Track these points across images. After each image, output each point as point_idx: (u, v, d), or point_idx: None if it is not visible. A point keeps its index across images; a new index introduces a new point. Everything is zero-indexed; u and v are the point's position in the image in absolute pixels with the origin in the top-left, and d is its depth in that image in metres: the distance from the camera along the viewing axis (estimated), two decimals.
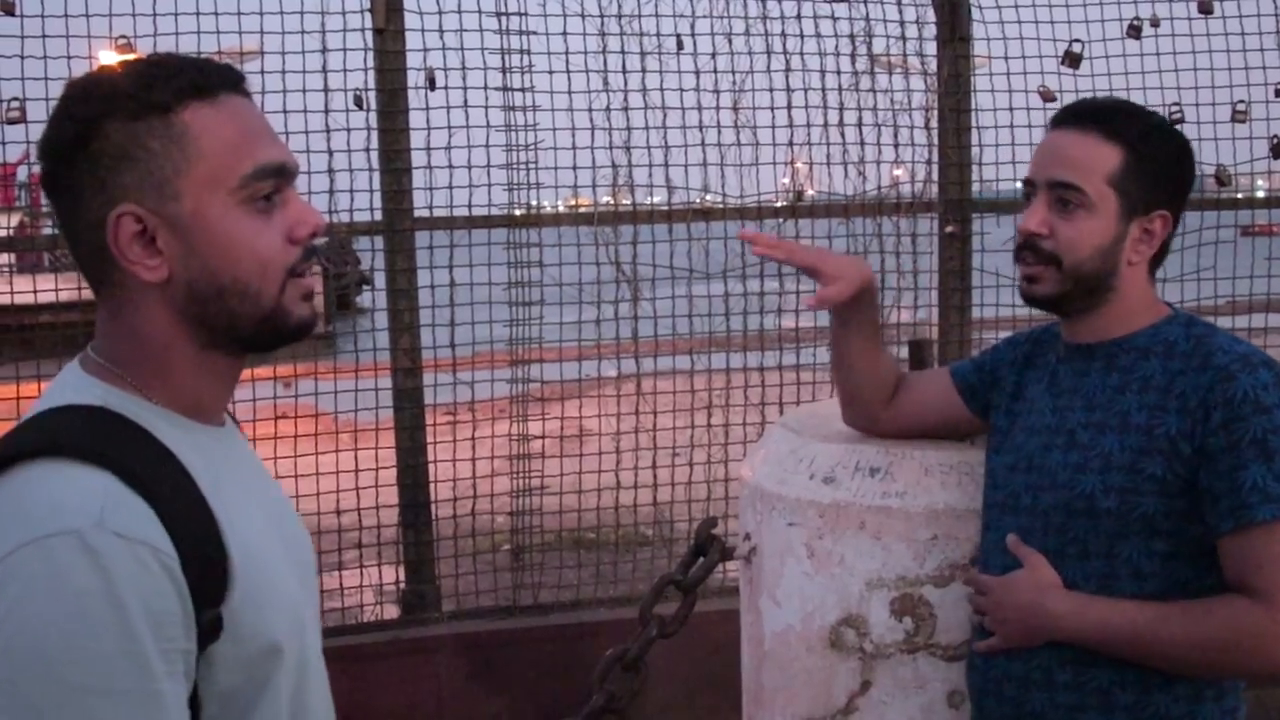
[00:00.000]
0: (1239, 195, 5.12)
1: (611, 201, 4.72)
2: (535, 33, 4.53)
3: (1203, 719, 2.07)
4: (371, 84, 4.41)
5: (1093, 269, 2.10)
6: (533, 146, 4.56)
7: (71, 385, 1.34)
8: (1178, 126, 4.75)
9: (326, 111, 4.35)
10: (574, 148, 4.58)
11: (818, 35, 4.75)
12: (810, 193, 5.04)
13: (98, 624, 1.16)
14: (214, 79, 1.34)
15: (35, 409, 1.32)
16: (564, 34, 4.55)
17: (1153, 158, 2.10)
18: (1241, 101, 4.84)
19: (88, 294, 4.10)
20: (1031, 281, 2.15)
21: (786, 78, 4.75)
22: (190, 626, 1.23)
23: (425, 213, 4.51)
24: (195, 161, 1.30)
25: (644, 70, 4.62)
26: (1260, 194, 5.52)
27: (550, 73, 4.56)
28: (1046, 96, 4.83)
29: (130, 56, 4.19)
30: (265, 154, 1.34)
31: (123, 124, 1.29)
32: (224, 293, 1.33)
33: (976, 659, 2.23)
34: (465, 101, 4.48)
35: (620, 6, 4.57)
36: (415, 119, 4.45)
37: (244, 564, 1.29)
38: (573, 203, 4.95)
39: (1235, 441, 1.95)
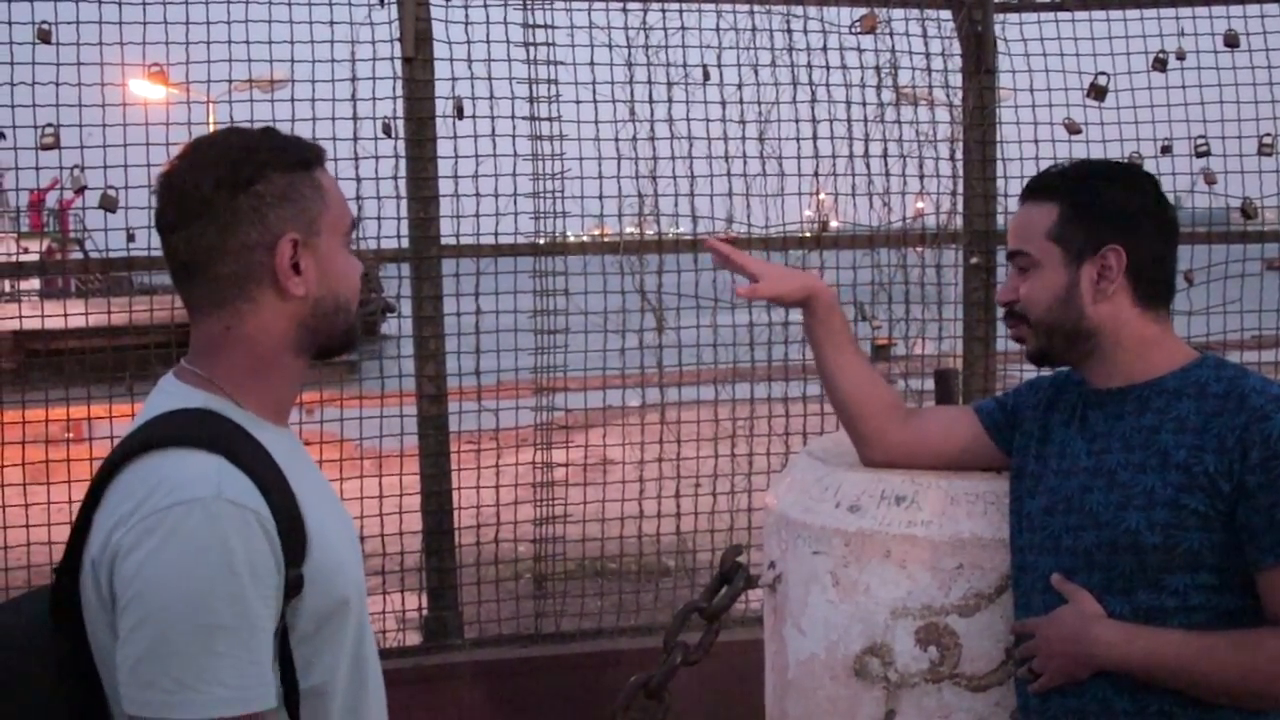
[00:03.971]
0: (1264, 228, 5.11)
1: (637, 231, 4.74)
2: (563, 63, 4.57)
3: None
4: (400, 112, 4.45)
5: (1055, 318, 2.22)
6: (559, 175, 4.59)
7: (178, 394, 1.66)
8: (1205, 158, 4.79)
9: (355, 139, 4.39)
10: (600, 177, 4.61)
11: (844, 67, 4.78)
12: (835, 224, 5.05)
13: (215, 571, 1.47)
14: (324, 153, 1.74)
15: (148, 412, 1.64)
16: (591, 64, 4.59)
17: (1088, 203, 2.21)
18: (1268, 135, 4.84)
19: (118, 320, 4.09)
20: (1021, 342, 2.31)
21: (812, 109, 4.77)
22: (281, 578, 1.54)
23: (452, 240, 4.55)
24: (328, 208, 1.70)
25: (670, 100, 4.65)
26: None
27: (577, 102, 4.59)
28: (1071, 129, 4.84)
29: (161, 87, 4.26)
30: (352, 211, 1.78)
31: (283, 173, 1.65)
32: (338, 309, 1.72)
33: (1031, 701, 2.22)
34: (493, 130, 4.52)
35: (647, 37, 4.61)
36: (443, 147, 4.49)
37: (318, 535, 1.61)
38: (598, 232, 4.97)
39: (1273, 479, 1.99)
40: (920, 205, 5.01)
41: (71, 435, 4.62)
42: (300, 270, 1.66)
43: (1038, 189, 2.28)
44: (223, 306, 1.66)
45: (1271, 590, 2.01)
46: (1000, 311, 2.34)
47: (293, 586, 1.56)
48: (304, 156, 1.69)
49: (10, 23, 4.12)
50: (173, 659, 1.45)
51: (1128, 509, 2.10)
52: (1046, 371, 2.46)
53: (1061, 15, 4.92)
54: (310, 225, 1.67)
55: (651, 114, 4.63)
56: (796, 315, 4.76)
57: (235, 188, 1.62)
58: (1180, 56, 4.83)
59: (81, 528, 1.57)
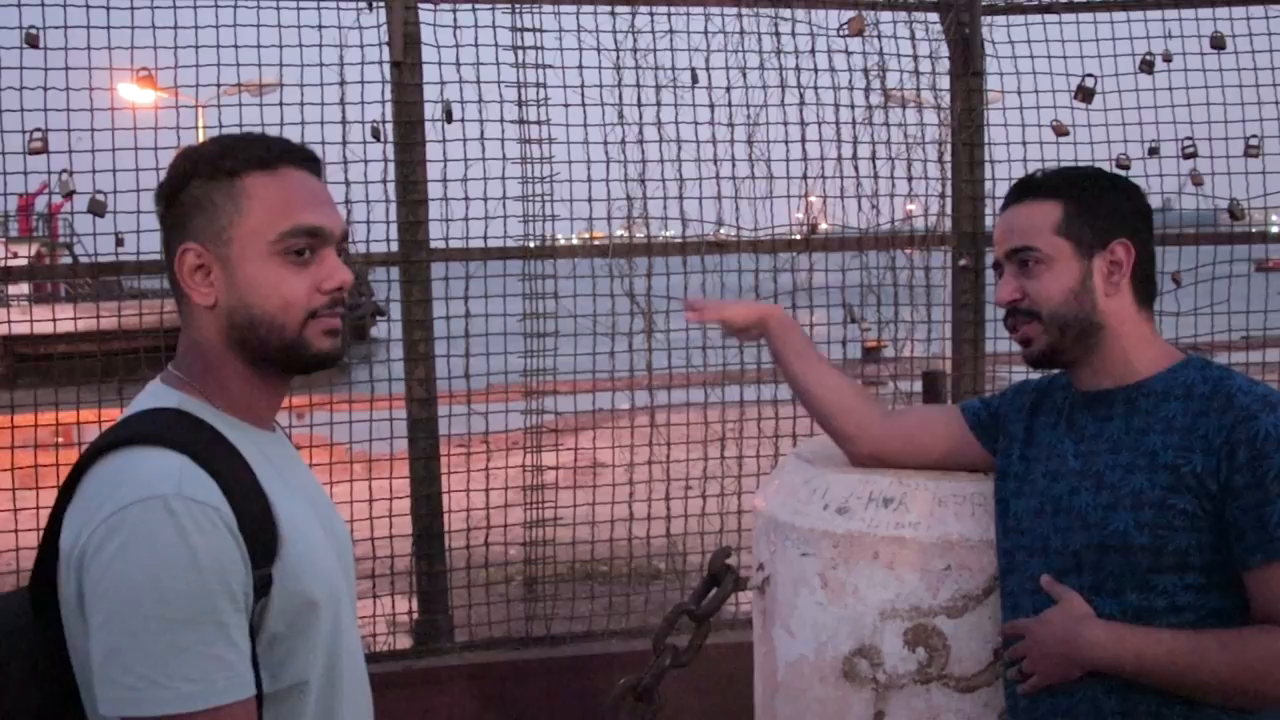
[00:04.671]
0: (1252, 229, 5.13)
1: (626, 234, 4.74)
2: (551, 66, 4.57)
3: None
4: (389, 116, 4.45)
5: (1071, 312, 2.21)
6: (548, 179, 4.60)
7: (155, 393, 1.71)
8: (1193, 159, 4.81)
9: (344, 143, 4.39)
10: (589, 180, 4.61)
11: (832, 70, 4.78)
12: (824, 226, 5.06)
13: (176, 567, 1.49)
14: (275, 155, 1.70)
15: (128, 412, 1.69)
16: (580, 67, 4.59)
17: (1090, 199, 2.24)
18: (1254, 136, 4.86)
19: (106, 324, 4.10)
20: (1026, 345, 2.27)
21: (800, 111, 4.78)
22: (248, 575, 1.55)
23: (441, 244, 4.54)
24: (245, 216, 1.67)
25: (659, 104, 4.65)
26: (1274, 229, 5.52)
27: (566, 106, 4.60)
28: (1059, 131, 4.85)
29: (150, 91, 4.26)
30: (302, 218, 1.69)
31: (202, 182, 1.67)
32: (254, 322, 1.68)
33: (1020, 701, 2.24)
34: (481, 134, 4.52)
35: (635, 40, 4.61)
36: (432, 151, 4.50)
37: (290, 535, 1.62)
38: (588, 235, 4.97)
39: (1260, 479, 2.01)
40: (909, 208, 5.02)
41: (61, 440, 4.61)
42: (211, 279, 1.68)
43: (1032, 189, 2.28)
44: (179, 311, 1.74)
45: (1259, 589, 2.02)
46: (1000, 313, 2.33)
47: (261, 586, 1.57)
48: (225, 165, 1.67)
49: None
50: (138, 655, 1.48)
51: (1116, 510, 2.12)
52: (1035, 375, 2.48)
53: (1049, 17, 4.93)
54: (219, 234, 1.67)
55: (640, 117, 4.64)
56: None
57: (167, 201, 1.70)
58: (1167, 59, 4.84)
59: (55, 523, 1.61)
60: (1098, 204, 2.23)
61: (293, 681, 1.64)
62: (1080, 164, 2.42)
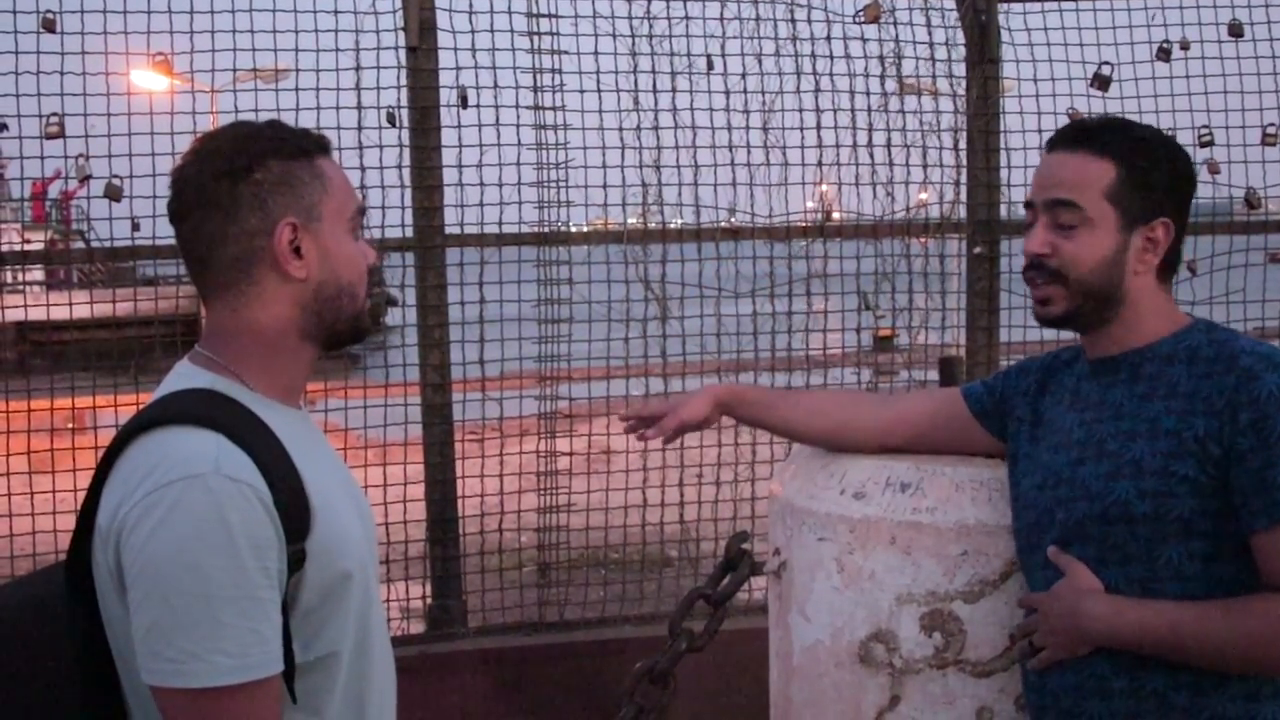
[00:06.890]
0: (1268, 219, 5.10)
1: (641, 220, 4.74)
2: (567, 52, 4.57)
3: (1262, 718, 2.06)
4: (404, 102, 4.45)
5: (1098, 282, 2.14)
6: (563, 165, 4.59)
7: (185, 375, 1.74)
8: (1209, 147, 4.79)
9: (359, 129, 4.39)
10: (604, 166, 4.61)
11: (847, 57, 4.77)
12: (838, 214, 5.05)
13: (213, 544, 1.53)
14: (328, 143, 1.80)
15: (159, 393, 1.72)
16: (595, 54, 4.58)
17: (1146, 168, 2.14)
18: (1271, 124, 4.83)
19: (120, 310, 4.11)
20: (1044, 303, 2.21)
21: (816, 99, 4.77)
22: (282, 551, 1.59)
23: (456, 230, 4.55)
24: (330, 195, 1.76)
25: (674, 90, 4.65)
26: None
27: (581, 92, 4.59)
28: (1075, 119, 4.83)
29: (164, 77, 4.26)
30: (360, 200, 1.84)
31: (281, 161, 1.72)
32: (341, 292, 1.78)
33: (1032, 676, 2.23)
34: (497, 120, 4.52)
35: (651, 27, 4.60)
36: (447, 137, 4.49)
37: (322, 511, 1.67)
38: (602, 221, 4.97)
39: (1264, 440, 1.96)
40: (923, 195, 5.01)
41: (74, 425, 4.62)
42: (301, 254, 1.72)
43: (1089, 139, 2.17)
44: (229, 290, 1.73)
45: (1264, 554, 1.98)
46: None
47: (295, 561, 1.62)
48: (303, 145, 1.74)
49: (15, 11, 4.13)
50: (178, 629, 1.52)
51: (1117, 479, 2.08)
52: (1036, 352, 2.46)
53: (1065, 5, 4.91)
54: (310, 210, 1.73)
55: (655, 103, 4.63)
56: (800, 305, 4.80)
57: (235, 176, 1.69)
58: (1184, 46, 4.82)
59: (92, 500, 1.64)
60: (1152, 174, 2.14)
61: (325, 651, 1.69)
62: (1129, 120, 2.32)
